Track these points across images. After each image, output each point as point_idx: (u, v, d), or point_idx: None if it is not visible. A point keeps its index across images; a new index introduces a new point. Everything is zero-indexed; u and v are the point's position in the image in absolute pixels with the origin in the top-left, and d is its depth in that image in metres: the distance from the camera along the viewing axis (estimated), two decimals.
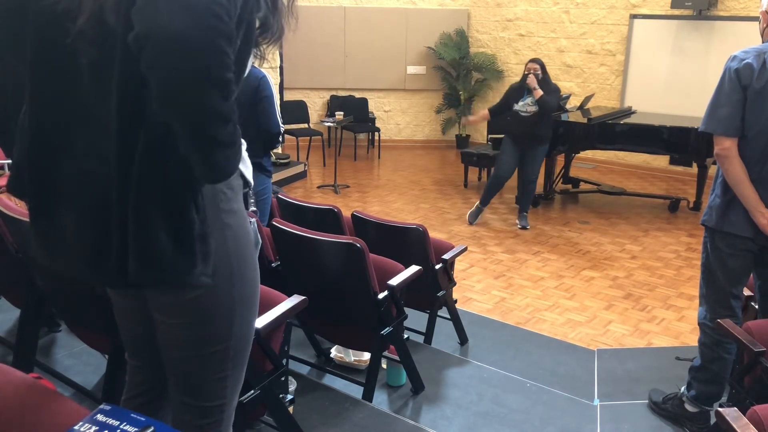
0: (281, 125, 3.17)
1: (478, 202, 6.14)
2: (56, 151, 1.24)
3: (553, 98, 5.59)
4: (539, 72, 5.59)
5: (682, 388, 2.71)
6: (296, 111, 8.57)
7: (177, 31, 1.02)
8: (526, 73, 5.65)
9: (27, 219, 1.98)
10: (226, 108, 1.09)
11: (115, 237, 1.17)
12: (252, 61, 1.31)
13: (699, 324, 2.59)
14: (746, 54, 2.30)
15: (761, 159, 2.32)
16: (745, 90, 2.28)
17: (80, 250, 1.23)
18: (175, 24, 1.02)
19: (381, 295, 2.49)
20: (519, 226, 5.97)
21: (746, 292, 2.59)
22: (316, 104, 9.58)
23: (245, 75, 1.29)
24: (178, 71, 1.03)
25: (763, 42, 2.40)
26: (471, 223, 6.10)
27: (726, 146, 2.34)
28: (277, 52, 7.43)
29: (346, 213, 3.26)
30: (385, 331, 2.52)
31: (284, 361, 2.13)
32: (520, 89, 5.72)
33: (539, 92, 5.48)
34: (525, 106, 5.63)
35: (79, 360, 2.77)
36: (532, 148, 5.71)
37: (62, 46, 1.19)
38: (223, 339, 1.33)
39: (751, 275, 2.55)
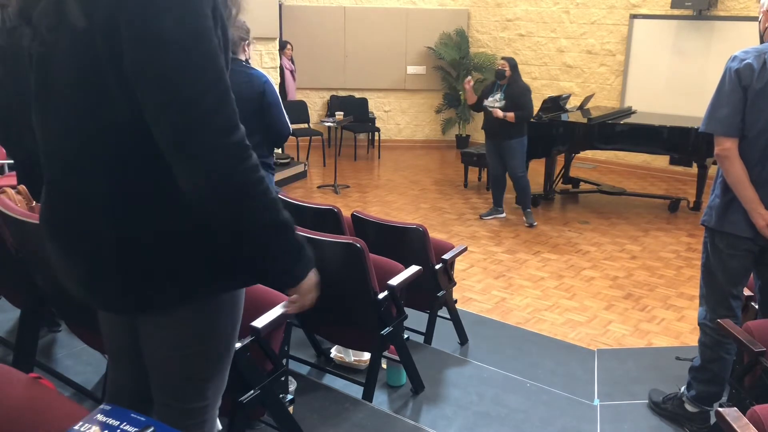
0: (289, 125, 3.20)
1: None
2: (48, 175, 1.25)
3: (524, 103, 5.67)
4: (506, 68, 5.69)
5: (682, 388, 2.71)
6: (296, 111, 8.58)
7: (192, 95, 1.07)
8: (497, 68, 5.81)
9: (27, 219, 1.99)
10: (238, 147, 1.13)
11: (109, 262, 1.19)
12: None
13: (699, 324, 2.59)
14: (746, 54, 2.29)
15: (761, 160, 2.31)
16: (745, 90, 2.27)
17: (76, 276, 1.27)
18: (190, 89, 1.06)
19: (381, 295, 2.49)
20: (526, 224, 6.00)
21: (746, 292, 2.59)
22: (316, 104, 9.58)
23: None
24: (196, 132, 1.08)
25: (762, 42, 2.40)
26: (481, 217, 6.21)
27: (726, 146, 2.33)
28: (277, 52, 7.43)
29: (346, 213, 3.25)
30: (385, 331, 2.52)
31: (284, 361, 2.13)
32: (491, 85, 5.92)
33: (510, 115, 5.61)
34: (492, 101, 5.76)
35: (79, 360, 2.77)
36: (504, 141, 5.80)
37: (24, 53, 1.20)
38: (206, 339, 1.33)
39: (752, 275, 2.55)
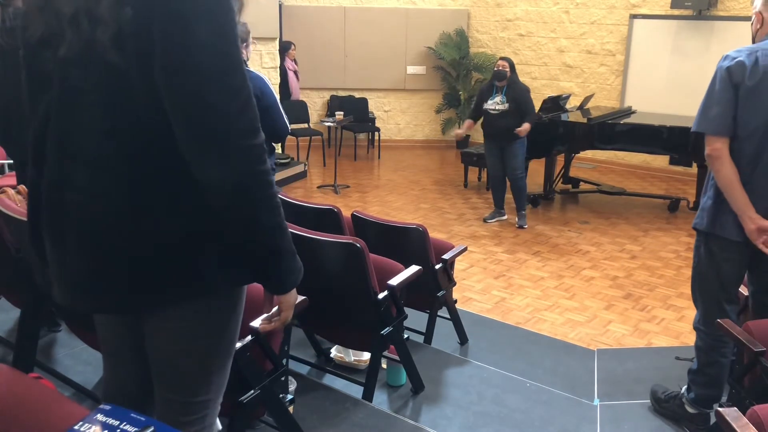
0: (288, 126, 3.20)
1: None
2: (58, 184, 1.25)
3: (529, 106, 5.63)
4: (507, 69, 5.64)
5: (683, 389, 2.71)
6: (296, 111, 8.58)
7: (223, 99, 1.11)
8: (496, 69, 5.73)
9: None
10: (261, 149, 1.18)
11: (121, 264, 1.21)
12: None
13: (694, 328, 2.57)
14: (738, 53, 2.27)
15: (753, 160, 2.27)
16: (736, 88, 2.24)
17: (82, 282, 1.27)
18: (222, 93, 1.11)
19: (381, 295, 2.49)
20: (517, 226, 5.98)
21: (744, 291, 2.58)
22: (316, 104, 9.58)
23: None
24: (224, 134, 1.13)
25: (754, 42, 2.39)
26: (485, 220, 6.17)
27: (717, 147, 2.29)
28: (277, 52, 7.43)
29: (346, 213, 3.25)
30: (385, 331, 2.52)
31: (284, 361, 2.13)
32: (489, 88, 5.84)
33: (527, 127, 5.54)
34: (494, 104, 5.70)
35: (79, 360, 2.77)
36: (508, 144, 5.75)
37: (47, 75, 1.23)
38: (213, 333, 1.35)
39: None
